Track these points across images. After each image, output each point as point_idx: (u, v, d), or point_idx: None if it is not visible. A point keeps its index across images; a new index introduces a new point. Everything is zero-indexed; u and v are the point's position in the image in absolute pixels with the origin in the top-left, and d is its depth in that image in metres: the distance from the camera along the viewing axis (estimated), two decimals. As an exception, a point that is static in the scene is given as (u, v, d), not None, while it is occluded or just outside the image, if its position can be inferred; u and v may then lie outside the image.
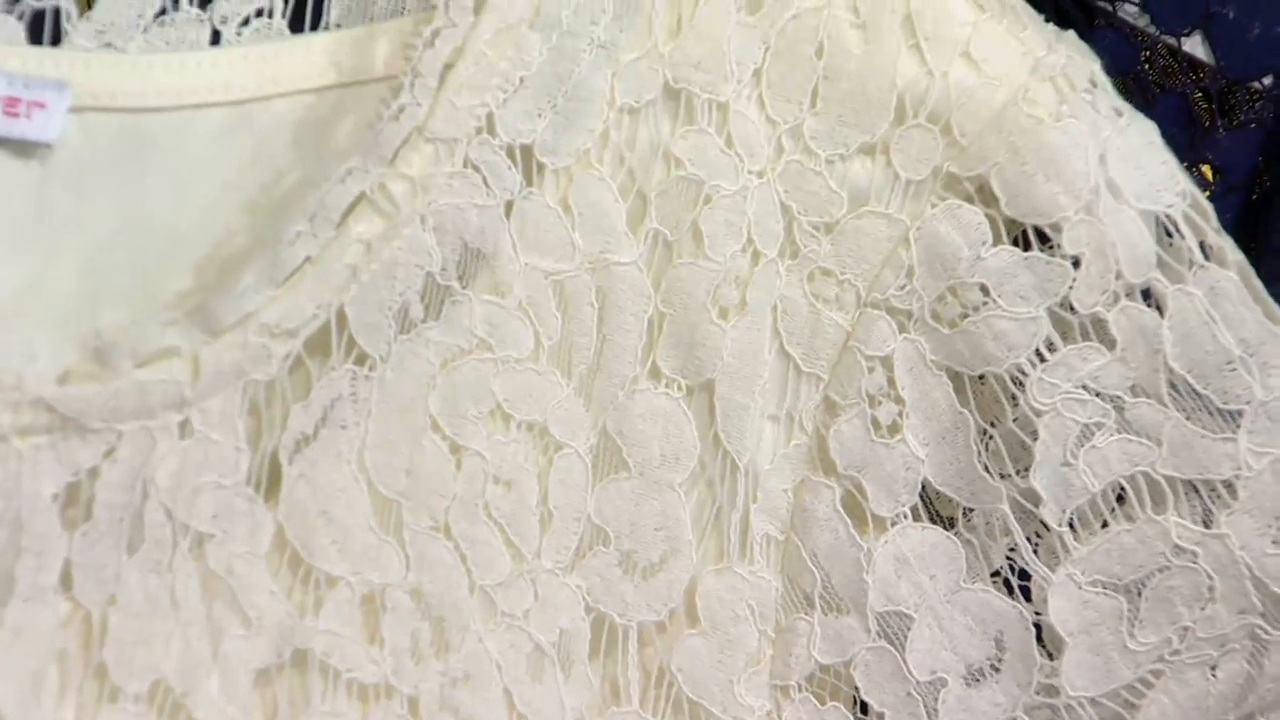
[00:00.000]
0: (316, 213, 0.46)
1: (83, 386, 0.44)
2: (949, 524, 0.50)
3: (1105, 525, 0.49)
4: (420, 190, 0.47)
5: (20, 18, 0.51)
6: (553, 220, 0.48)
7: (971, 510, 0.49)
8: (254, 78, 0.50)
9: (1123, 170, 0.48)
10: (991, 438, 0.49)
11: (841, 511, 0.49)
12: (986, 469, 0.49)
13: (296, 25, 0.53)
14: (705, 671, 0.49)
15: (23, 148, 0.49)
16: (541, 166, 0.48)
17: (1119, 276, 0.48)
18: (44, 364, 0.45)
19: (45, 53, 0.50)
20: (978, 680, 0.49)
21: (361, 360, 0.47)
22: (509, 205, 0.48)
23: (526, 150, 0.48)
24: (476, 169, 0.47)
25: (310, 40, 0.51)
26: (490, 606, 0.48)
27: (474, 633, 0.47)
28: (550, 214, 0.48)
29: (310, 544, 0.46)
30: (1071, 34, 0.50)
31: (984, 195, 0.49)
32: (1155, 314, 0.49)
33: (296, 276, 0.46)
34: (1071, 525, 0.49)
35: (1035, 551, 0.49)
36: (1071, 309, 0.49)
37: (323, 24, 0.53)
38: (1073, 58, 0.48)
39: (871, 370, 0.49)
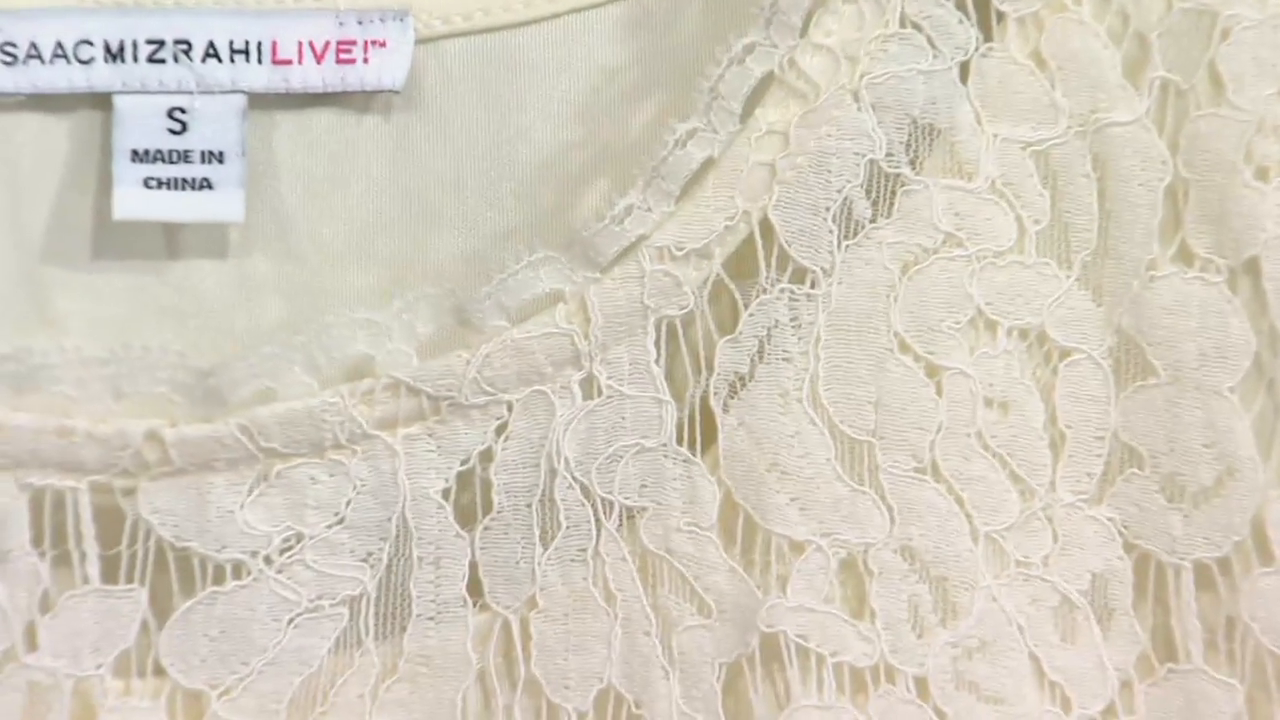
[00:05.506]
0: (711, 103, 0.39)
1: (446, 359, 0.39)
2: None
3: None
4: (845, 61, 0.40)
5: None
6: (1025, 78, 0.41)
7: None
8: None
9: None
10: None
11: None
12: None
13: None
14: None
15: (372, 100, 0.42)
16: (1002, 15, 0.41)
17: None
18: (397, 341, 0.40)
19: None
20: None
21: (800, 276, 0.40)
22: (964, 67, 0.41)
23: None
24: (918, 27, 0.40)
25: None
26: (1001, 556, 0.41)
27: (985, 590, 0.41)
28: (1021, 71, 0.41)
29: (763, 505, 0.40)
30: None
31: None
32: None
33: (692, 185, 0.40)
34: None
35: None
36: None
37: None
38: None
39: None
